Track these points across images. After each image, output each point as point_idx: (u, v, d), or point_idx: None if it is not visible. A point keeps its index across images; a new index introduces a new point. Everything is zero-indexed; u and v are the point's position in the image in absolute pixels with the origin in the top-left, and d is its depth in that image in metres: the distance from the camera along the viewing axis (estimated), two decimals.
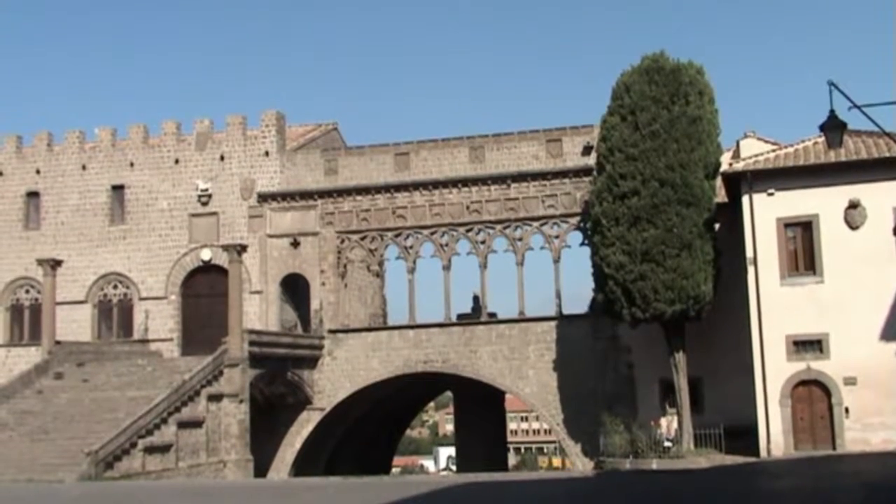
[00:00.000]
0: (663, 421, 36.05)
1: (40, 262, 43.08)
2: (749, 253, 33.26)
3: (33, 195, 49.08)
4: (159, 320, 46.53)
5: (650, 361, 38.43)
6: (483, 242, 44.24)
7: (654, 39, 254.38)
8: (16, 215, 49.06)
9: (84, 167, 48.56)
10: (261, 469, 40.78)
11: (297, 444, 43.92)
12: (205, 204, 46.73)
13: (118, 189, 48.04)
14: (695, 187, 33.61)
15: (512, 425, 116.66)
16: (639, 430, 34.15)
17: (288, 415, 44.04)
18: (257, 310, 45.17)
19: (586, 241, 41.67)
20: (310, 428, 44.00)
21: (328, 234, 45.34)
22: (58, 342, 42.03)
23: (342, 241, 45.51)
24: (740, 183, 33.97)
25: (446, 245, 44.62)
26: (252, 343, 38.97)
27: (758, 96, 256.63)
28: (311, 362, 43.79)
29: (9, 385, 39.10)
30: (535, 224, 43.66)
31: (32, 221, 48.95)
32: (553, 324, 42.55)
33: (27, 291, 48.54)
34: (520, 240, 43.77)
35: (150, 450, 33.44)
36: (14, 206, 49.09)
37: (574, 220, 43.08)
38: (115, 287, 47.64)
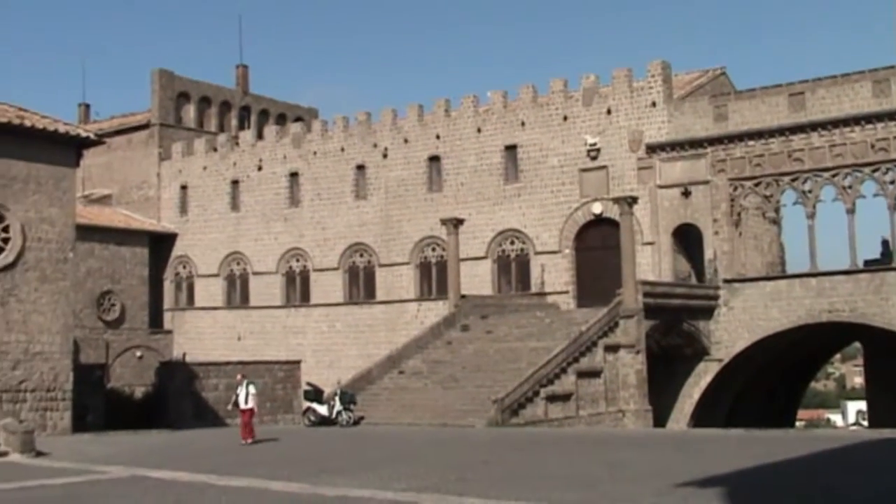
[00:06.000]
0: None
1: (443, 221, 45.97)
2: None
3: (434, 159, 52.34)
4: (554, 273, 47.90)
5: None
6: (892, 182, 40.81)
7: None
8: (420, 179, 52.64)
9: (479, 130, 50.92)
10: (659, 419, 40.84)
11: (696, 396, 43.48)
12: (594, 158, 47.24)
13: (511, 149, 49.86)
14: None
15: None
16: None
17: (685, 366, 43.66)
18: (650, 261, 45.04)
19: None
20: (707, 379, 43.35)
21: (720, 181, 44.08)
22: (463, 296, 44.65)
23: (735, 189, 44.07)
24: None
25: (849, 187, 41.71)
26: (646, 294, 38.97)
27: None
28: (707, 313, 43.00)
29: (422, 336, 42.24)
30: None
31: (435, 184, 52.28)
32: None
33: (433, 249, 52.01)
34: None
35: (551, 398, 34.62)
36: (419, 171, 52.68)
37: None
38: (512, 243, 49.70)
